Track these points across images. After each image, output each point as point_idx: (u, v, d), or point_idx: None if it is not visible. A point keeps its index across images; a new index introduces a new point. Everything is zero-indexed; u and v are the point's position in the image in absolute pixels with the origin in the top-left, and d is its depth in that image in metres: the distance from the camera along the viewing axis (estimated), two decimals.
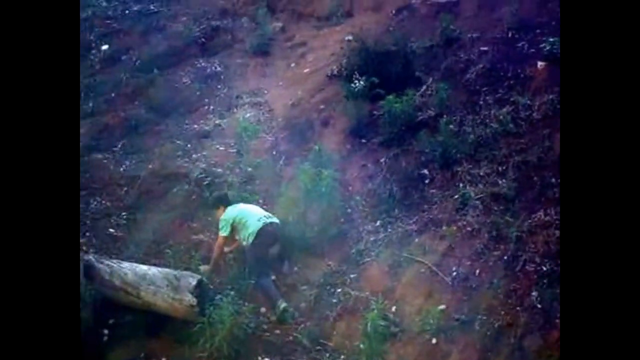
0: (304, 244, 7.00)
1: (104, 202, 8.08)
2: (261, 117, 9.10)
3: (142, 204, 7.83)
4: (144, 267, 6.61)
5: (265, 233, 7.09)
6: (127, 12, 11.39)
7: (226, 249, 7.21)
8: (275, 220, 7.16)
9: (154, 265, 6.73)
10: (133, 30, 11.06)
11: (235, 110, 9.38)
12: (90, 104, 9.84)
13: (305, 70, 9.52)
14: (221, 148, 8.67)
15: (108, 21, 11.29)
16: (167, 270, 6.52)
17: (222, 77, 10.02)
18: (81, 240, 7.30)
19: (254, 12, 10.58)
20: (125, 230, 7.59)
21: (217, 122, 9.17)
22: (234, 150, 8.54)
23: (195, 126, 9.18)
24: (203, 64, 10.18)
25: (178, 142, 8.72)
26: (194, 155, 8.49)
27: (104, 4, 11.69)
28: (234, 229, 7.15)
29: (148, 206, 7.78)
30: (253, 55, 10.27)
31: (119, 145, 8.88)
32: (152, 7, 11.37)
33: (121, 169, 8.50)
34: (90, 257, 6.63)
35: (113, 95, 9.99)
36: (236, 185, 7.60)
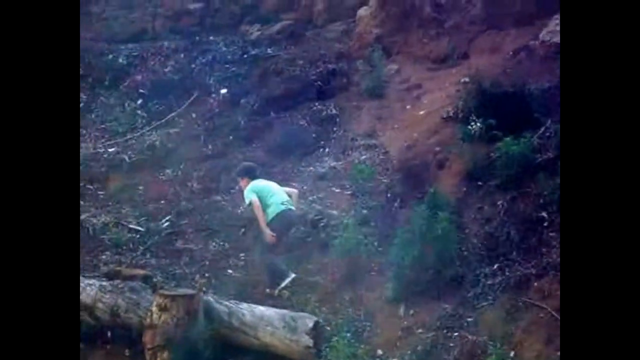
0: (420, 287, 7.11)
1: (222, 243, 8.61)
2: (376, 159, 9.36)
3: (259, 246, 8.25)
4: (262, 308, 6.97)
5: (286, 216, 7.96)
6: (245, 56, 12.04)
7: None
8: (294, 208, 8.07)
9: (271, 306, 7.09)
10: (251, 73, 11.65)
11: (350, 152, 9.69)
12: (210, 147, 10.51)
13: (421, 112, 9.72)
14: (336, 190, 9.00)
15: (227, 65, 11.96)
16: (284, 311, 6.85)
17: (337, 119, 10.38)
18: (201, 281, 7.83)
19: (369, 54, 10.87)
20: (243, 271, 8.07)
21: (332, 164, 9.51)
22: (349, 192, 8.84)
23: (311, 168, 9.57)
24: (319, 107, 10.59)
25: (294, 184, 9.12)
26: (309, 197, 8.86)
27: (224, 48, 12.41)
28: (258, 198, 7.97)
29: (265, 248, 8.17)
30: (368, 98, 10.57)
31: (237, 188, 9.41)
32: (269, 51, 11.95)
33: (239, 211, 9.03)
34: (210, 297, 7.07)
35: (231, 138, 10.58)
36: (352, 227, 7.81)
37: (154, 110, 11.52)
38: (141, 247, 8.46)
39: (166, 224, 9.00)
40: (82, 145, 10.84)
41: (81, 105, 11.68)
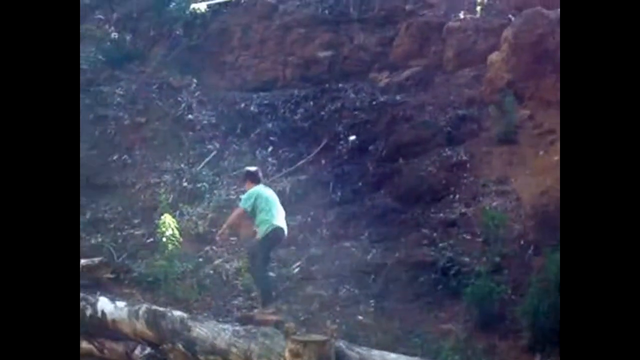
0: (557, 336, 7.07)
1: (352, 289, 8.92)
2: (508, 206, 9.43)
3: (390, 292, 8.52)
4: (393, 356, 7.14)
5: (280, 233, 8.88)
6: (374, 103, 12.39)
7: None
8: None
9: (403, 353, 7.27)
10: (380, 120, 11.98)
11: (481, 198, 9.80)
12: (339, 193, 10.90)
13: (555, 158, 9.75)
14: (467, 237, 9.13)
15: (356, 112, 12.36)
16: (415, 358, 7.03)
17: (468, 165, 10.50)
18: (332, 327, 8.12)
19: (500, 100, 10.95)
20: (373, 317, 8.31)
21: (463, 210, 9.65)
22: (481, 239, 8.96)
23: (441, 214, 9.75)
24: (449, 153, 10.76)
25: (424, 230, 9.33)
26: (440, 244, 9.05)
27: (352, 95, 12.84)
28: (255, 206, 8.82)
29: (395, 294, 8.43)
30: (499, 143, 10.64)
31: (366, 234, 9.73)
32: (398, 98, 12.25)
33: (368, 257, 9.33)
34: (341, 344, 7.34)
35: (360, 184, 10.93)
36: (484, 275, 7.94)
37: (284, 157, 12.05)
38: (272, 292, 8.89)
39: (297, 269, 9.44)
40: (215, 191, 11.54)
41: (214, 153, 12.45)
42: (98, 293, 9.23)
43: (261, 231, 8.84)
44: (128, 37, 14.72)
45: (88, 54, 14.50)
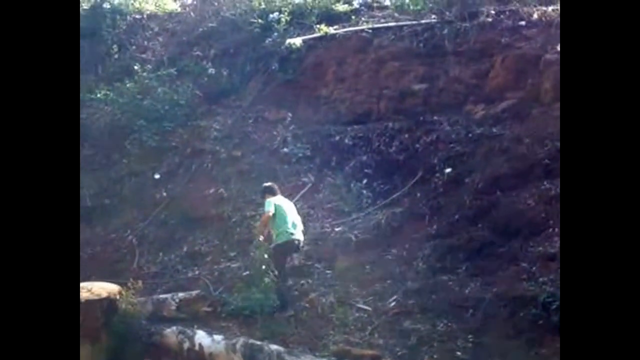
0: None
1: (449, 324, 8.95)
2: None
3: (488, 327, 8.50)
4: None
5: (295, 244, 10.16)
6: (470, 135, 12.41)
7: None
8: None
9: None
10: (476, 152, 11.98)
11: None
12: (435, 226, 10.96)
13: None
14: None
15: (451, 144, 12.41)
16: None
17: None
18: None
19: None
20: (471, 353, 8.28)
21: None
22: None
23: (540, 248, 9.65)
24: (547, 186, 10.68)
25: (523, 264, 9.29)
26: (540, 278, 8.98)
27: (448, 128, 12.89)
28: (274, 213, 10.00)
29: (494, 330, 8.41)
30: None
31: (463, 268, 9.75)
32: (494, 130, 12.23)
33: (466, 291, 9.34)
34: None
35: (456, 217, 10.96)
36: None
37: (379, 190, 12.22)
38: (369, 327, 9.02)
39: (393, 303, 9.54)
40: (310, 224, 11.79)
41: (309, 185, 12.75)
42: (195, 326, 9.61)
43: (277, 238, 10.09)
44: (225, 73, 15.27)
45: (186, 89, 15.13)
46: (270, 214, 10.06)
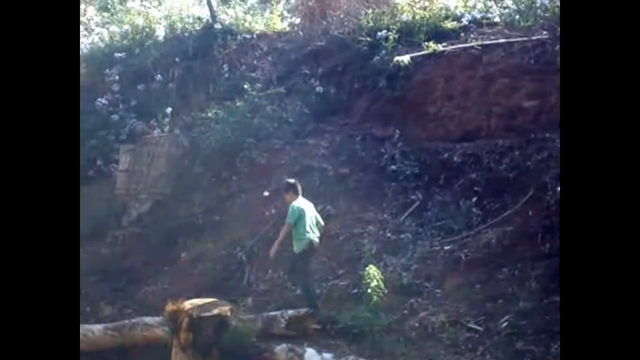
0: None
1: None
2: None
3: None
4: None
5: (314, 245, 10.83)
6: None
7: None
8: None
9: None
10: None
11: None
12: (547, 245, 10.66)
13: None
14: None
15: None
16: None
17: None
18: None
19: None
20: None
21: None
22: None
23: None
24: None
25: None
26: None
27: (559, 145, 12.61)
28: (297, 221, 10.60)
29: None
30: None
31: None
32: None
33: None
34: None
35: None
36: None
37: (489, 208, 12.06)
38: (480, 347, 8.92)
39: (505, 323, 9.39)
40: (419, 242, 11.76)
41: (417, 203, 12.71)
42: (305, 344, 9.72)
43: (299, 245, 10.70)
44: (332, 91, 15.46)
45: (294, 107, 15.39)
46: (289, 227, 10.72)
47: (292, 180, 11.32)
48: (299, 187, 11.14)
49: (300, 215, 10.73)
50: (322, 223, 11.20)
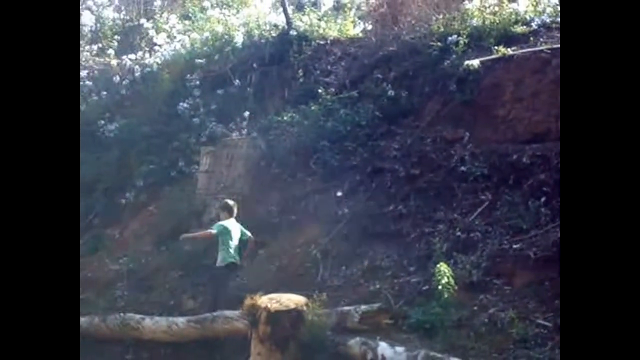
0: None
1: None
2: None
3: None
4: None
5: (236, 265, 12.58)
6: None
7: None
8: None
9: None
10: None
11: None
12: None
13: None
14: None
15: None
16: None
17: None
18: None
19: None
20: None
21: None
22: None
23: None
24: None
25: None
26: None
27: None
28: (222, 238, 12.36)
29: None
30: None
31: None
32: None
33: None
34: None
35: None
36: None
37: (558, 208, 12.05)
38: (549, 343, 9.00)
39: None
40: (488, 241, 11.85)
41: (486, 203, 12.80)
42: (378, 338, 9.95)
43: (221, 260, 12.43)
44: (404, 94, 15.62)
45: (366, 110, 15.63)
46: (211, 235, 12.50)
47: (230, 202, 13.01)
48: (235, 210, 12.85)
49: (225, 232, 12.44)
50: (251, 236, 13.01)
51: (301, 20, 19.37)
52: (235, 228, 12.58)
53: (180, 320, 12.57)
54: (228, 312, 11.87)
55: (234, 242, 12.48)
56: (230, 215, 12.69)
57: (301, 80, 17.57)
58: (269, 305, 10.61)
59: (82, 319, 13.01)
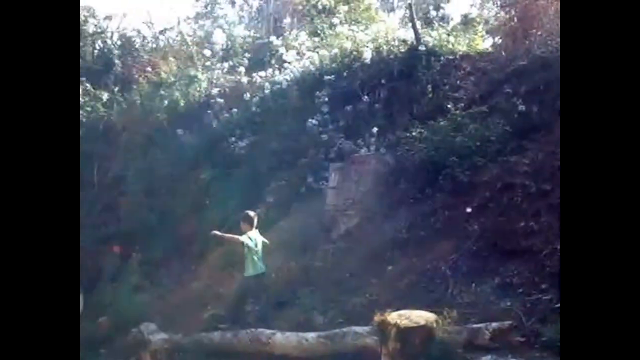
0: None
1: None
2: None
3: None
4: None
5: (262, 280, 13.63)
6: None
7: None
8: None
9: None
10: None
11: None
12: None
13: None
14: None
15: None
16: None
17: None
18: None
19: None
20: None
21: None
22: None
23: None
24: None
25: None
26: None
27: None
28: (248, 247, 13.03)
29: None
30: None
31: None
32: None
33: None
34: None
35: None
36: None
37: None
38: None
39: None
40: None
41: None
42: (509, 356, 9.95)
43: (248, 270, 13.26)
44: (534, 109, 15.53)
45: (496, 125, 15.63)
46: (241, 242, 13.08)
47: (252, 214, 13.55)
48: (255, 221, 13.42)
49: (252, 244, 13.11)
50: (267, 241, 13.76)
51: (430, 35, 19.56)
52: (258, 239, 13.38)
53: (311, 335, 12.87)
54: (358, 328, 12.10)
55: (260, 253, 13.25)
56: (251, 226, 13.35)
57: (430, 95, 17.74)
58: (398, 322, 10.75)
59: (214, 334, 13.67)
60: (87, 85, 23.67)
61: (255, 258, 13.19)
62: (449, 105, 16.45)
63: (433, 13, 22.89)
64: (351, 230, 16.12)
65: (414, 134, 16.53)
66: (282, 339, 13.29)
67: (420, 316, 10.96)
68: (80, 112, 22.06)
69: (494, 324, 10.78)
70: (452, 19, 21.80)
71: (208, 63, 23.62)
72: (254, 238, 13.29)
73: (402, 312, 11.13)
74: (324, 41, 22.24)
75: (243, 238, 13.11)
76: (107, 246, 18.39)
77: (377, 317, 11.09)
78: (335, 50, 20.71)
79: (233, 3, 30.75)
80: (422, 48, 18.72)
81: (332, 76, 19.84)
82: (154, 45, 28.14)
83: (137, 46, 27.66)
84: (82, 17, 27.56)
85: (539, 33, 17.56)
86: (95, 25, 28.34)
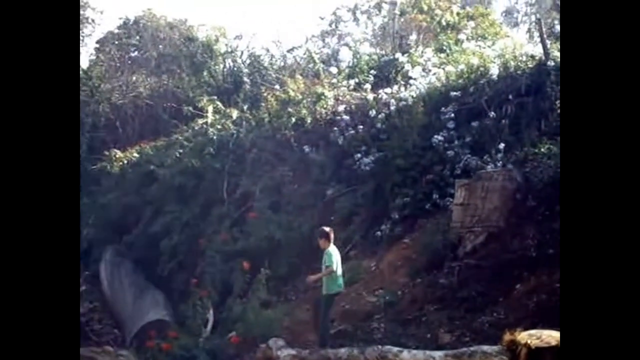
0: None
1: None
2: None
3: None
4: None
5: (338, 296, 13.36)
6: None
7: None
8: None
9: None
10: None
11: None
12: None
13: None
14: None
15: None
16: None
17: None
18: None
19: None
20: None
21: None
22: None
23: None
24: None
25: None
26: None
27: None
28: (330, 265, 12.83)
29: None
30: None
31: None
32: None
33: None
34: None
35: None
36: None
37: None
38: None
39: None
40: None
41: None
42: None
43: (331, 288, 13.02)
44: None
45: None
46: (334, 270, 12.79)
47: (327, 229, 13.46)
48: (332, 236, 13.40)
49: (337, 260, 12.98)
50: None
51: (558, 50, 19.29)
52: (337, 255, 13.29)
53: (438, 354, 12.92)
54: (486, 347, 12.09)
55: (340, 270, 13.16)
56: (329, 242, 13.33)
57: (559, 111, 17.48)
58: (529, 342, 10.70)
59: (342, 350, 13.96)
60: (218, 103, 24.68)
61: (336, 276, 13.20)
62: None
63: (558, 28, 22.50)
64: (477, 247, 16.08)
65: (542, 150, 16.39)
66: (410, 356, 13.37)
67: (551, 336, 10.81)
68: (211, 129, 23.10)
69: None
70: None
71: (334, 80, 24.12)
72: (335, 259, 13.22)
73: (533, 331, 11.06)
74: (450, 57, 22.33)
75: (332, 267, 13.05)
76: (236, 262, 19.06)
77: (506, 337, 11.07)
78: (462, 66, 20.74)
79: (357, 20, 31.21)
80: (551, 63, 18.47)
81: (459, 92, 19.88)
82: (282, 64, 28.99)
83: (265, 64, 28.54)
84: (213, 37, 28.88)
85: None
86: (226, 45, 29.47)
